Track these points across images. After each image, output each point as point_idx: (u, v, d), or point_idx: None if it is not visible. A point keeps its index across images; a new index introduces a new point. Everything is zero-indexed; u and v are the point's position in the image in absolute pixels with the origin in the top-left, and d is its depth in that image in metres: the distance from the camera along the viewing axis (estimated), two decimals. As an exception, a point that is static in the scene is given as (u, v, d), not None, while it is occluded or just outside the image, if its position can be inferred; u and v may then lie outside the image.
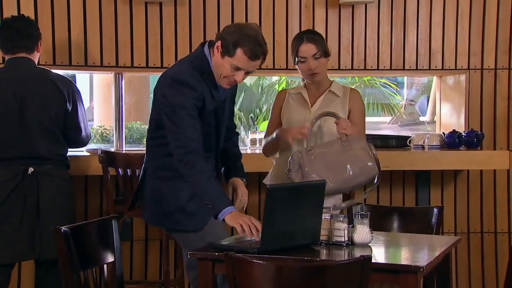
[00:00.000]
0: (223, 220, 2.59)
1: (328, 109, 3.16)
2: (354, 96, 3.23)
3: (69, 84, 3.45)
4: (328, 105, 3.18)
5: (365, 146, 3.06)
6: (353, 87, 6.59)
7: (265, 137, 3.32)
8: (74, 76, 6.04)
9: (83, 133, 3.46)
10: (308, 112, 3.20)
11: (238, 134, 3.07)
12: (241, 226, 2.51)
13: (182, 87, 2.64)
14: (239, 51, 2.60)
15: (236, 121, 6.27)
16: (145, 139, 5.29)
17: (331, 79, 3.30)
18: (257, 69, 4.30)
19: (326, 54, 3.18)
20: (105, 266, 2.66)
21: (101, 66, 4.10)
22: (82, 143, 3.52)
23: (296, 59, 3.17)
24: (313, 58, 3.14)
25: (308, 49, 3.14)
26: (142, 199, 2.87)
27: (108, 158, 3.68)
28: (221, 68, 2.66)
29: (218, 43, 2.65)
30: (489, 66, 4.42)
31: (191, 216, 2.74)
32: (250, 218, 2.55)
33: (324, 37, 4.31)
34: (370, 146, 3.08)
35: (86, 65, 4.07)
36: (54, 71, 3.54)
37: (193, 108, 2.66)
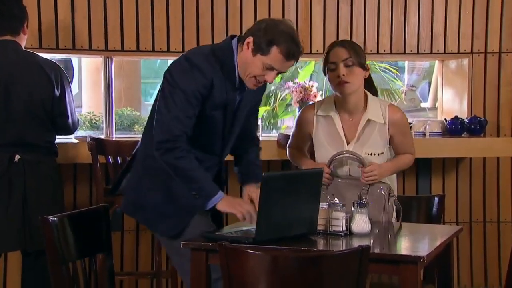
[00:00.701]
0: (214, 207, 2.54)
1: (367, 145, 2.85)
2: (394, 117, 2.88)
3: (57, 69, 3.43)
4: (367, 141, 2.86)
5: (382, 196, 2.81)
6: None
7: (289, 146, 3.06)
8: (70, 61, 6.01)
9: (70, 119, 3.45)
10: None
11: (258, 147, 2.83)
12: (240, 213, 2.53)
13: (191, 68, 2.50)
14: (274, 50, 2.47)
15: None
16: (136, 126, 5.31)
17: (365, 92, 2.91)
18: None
19: (361, 65, 2.83)
20: (95, 257, 2.67)
21: (90, 50, 4.08)
22: (69, 130, 3.51)
23: (326, 67, 2.85)
24: (344, 65, 2.81)
25: (338, 53, 2.83)
26: (123, 185, 2.78)
27: (97, 146, 3.67)
28: (251, 67, 2.51)
29: (250, 39, 2.50)
30: (493, 50, 4.42)
31: (166, 219, 2.63)
32: (242, 205, 2.55)
33: (322, 19, 4.33)
34: (390, 198, 2.83)
35: (74, 49, 4.06)
36: (40, 55, 3.53)
37: (195, 95, 2.50)
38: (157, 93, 2.66)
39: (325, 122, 2.92)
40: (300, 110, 3.05)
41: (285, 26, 2.52)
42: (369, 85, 2.97)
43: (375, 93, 2.99)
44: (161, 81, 2.62)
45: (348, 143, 2.88)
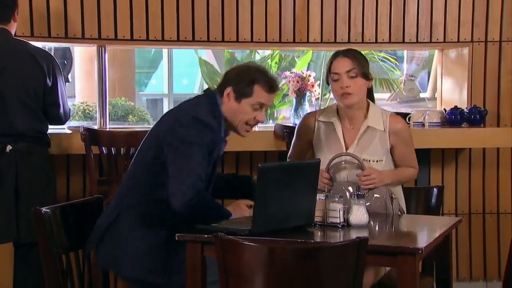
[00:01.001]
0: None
1: (367, 151, 2.87)
2: (395, 126, 2.90)
3: (49, 58, 3.42)
4: (366, 147, 2.89)
5: (384, 198, 2.81)
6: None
7: (289, 157, 3.07)
8: (69, 50, 5.99)
9: (61, 109, 3.45)
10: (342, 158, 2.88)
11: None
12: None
13: (203, 127, 2.58)
14: (256, 88, 2.63)
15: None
16: (130, 116, 5.30)
17: (368, 102, 2.95)
18: (249, 42, 4.32)
19: (365, 76, 2.86)
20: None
21: (83, 38, 4.06)
22: (61, 120, 3.51)
23: (329, 78, 2.89)
24: (347, 76, 2.84)
25: (342, 64, 2.85)
26: (104, 240, 2.63)
27: (91, 136, 3.67)
28: (240, 113, 2.64)
29: (228, 90, 2.64)
30: (493, 38, 4.41)
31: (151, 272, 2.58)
32: (242, 208, 2.61)
33: (320, 7, 4.32)
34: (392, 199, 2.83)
35: (66, 37, 4.04)
36: (32, 43, 3.51)
37: (207, 149, 2.59)
38: (143, 144, 2.68)
39: (326, 128, 2.96)
40: (301, 118, 3.07)
41: (256, 66, 2.73)
42: (368, 93, 2.98)
43: (372, 100, 3.00)
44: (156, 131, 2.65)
45: (347, 149, 2.90)
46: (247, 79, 2.64)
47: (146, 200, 2.60)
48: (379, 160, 2.89)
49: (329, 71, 2.90)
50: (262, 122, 2.74)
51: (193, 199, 2.51)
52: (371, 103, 2.95)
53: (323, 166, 2.82)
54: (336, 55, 2.91)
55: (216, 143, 2.64)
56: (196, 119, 2.59)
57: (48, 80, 3.37)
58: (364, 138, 2.91)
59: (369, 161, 2.87)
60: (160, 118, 2.74)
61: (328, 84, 2.92)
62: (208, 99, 2.68)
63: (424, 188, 3.25)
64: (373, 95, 3.03)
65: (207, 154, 2.59)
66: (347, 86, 2.84)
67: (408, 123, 4.35)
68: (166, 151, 2.57)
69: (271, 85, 2.66)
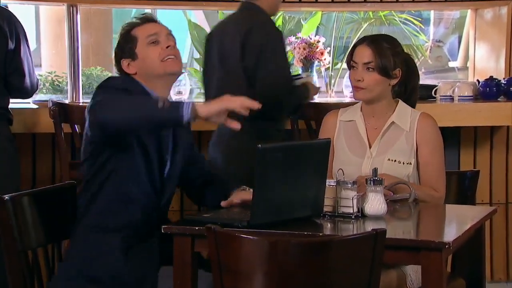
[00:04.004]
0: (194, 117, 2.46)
1: (391, 150, 2.91)
2: (425, 126, 2.95)
3: (11, 18, 3.42)
4: (390, 146, 2.93)
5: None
6: (366, 25, 6.55)
7: None
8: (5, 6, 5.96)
9: (27, 79, 3.45)
10: (365, 157, 2.93)
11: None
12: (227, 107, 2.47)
13: (117, 90, 2.67)
14: (135, 32, 2.74)
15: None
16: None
17: (396, 100, 3.00)
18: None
19: (383, 71, 2.91)
20: (60, 243, 2.69)
21: (50, -4, 4.07)
22: (26, 92, 3.52)
23: (349, 65, 2.97)
24: (364, 67, 2.92)
25: (362, 53, 2.92)
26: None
27: (61, 112, 3.68)
28: (147, 63, 2.71)
29: (123, 61, 2.75)
30: (537, -4, 4.41)
31: None
32: (229, 98, 2.51)
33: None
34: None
35: (31, -5, 4.04)
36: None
37: None
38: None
39: (348, 127, 3.02)
40: (324, 117, 3.11)
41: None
42: (409, 93, 3.03)
43: (412, 104, 3.04)
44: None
45: (370, 147, 2.95)
46: (123, 37, 2.76)
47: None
48: (407, 163, 2.91)
49: (348, 57, 2.98)
50: (172, 46, 2.73)
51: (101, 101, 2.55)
52: (400, 102, 3.00)
53: (342, 165, 2.83)
54: (362, 40, 2.98)
55: None
56: (105, 86, 2.69)
57: (10, 44, 3.37)
58: (387, 136, 2.96)
59: (394, 161, 2.91)
60: None
61: (349, 68, 2.99)
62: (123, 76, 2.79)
63: (454, 173, 3.25)
64: (415, 98, 3.06)
65: None
66: (359, 80, 2.92)
67: (435, 97, 4.37)
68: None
69: (143, 18, 2.77)
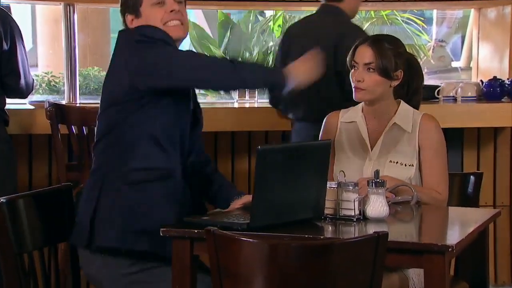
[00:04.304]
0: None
1: (393, 152, 2.92)
2: (427, 127, 2.96)
3: (6, 18, 3.42)
4: (391, 147, 2.94)
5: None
6: (367, 24, 6.54)
7: None
8: (8, 7, 5.97)
9: (23, 80, 3.45)
10: (366, 159, 2.94)
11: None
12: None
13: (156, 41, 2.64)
14: None
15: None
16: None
17: (398, 101, 3.01)
18: (248, 0, 4.30)
19: (384, 72, 2.91)
20: (56, 246, 2.69)
21: (47, -5, 4.07)
22: (21, 93, 3.52)
23: (350, 64, 2.98)
24: (364, 68, 2.92)
25: (363, 53, 2.92)
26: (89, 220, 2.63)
27: (58, 113, 3.68)
28: (151, 20, 2.67)
29: (127, 16, 2.71)
30: (540, -5, 4.41)
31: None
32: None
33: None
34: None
35: (27, -6, 4.04)
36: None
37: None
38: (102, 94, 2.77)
39: (349, 128, 3.03)
40: (324, 119, 3.12)
41: None
42: (412, 94, 3.03)
43: (415, 105, 3.04)
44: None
45: (371, 148, 2.96)
46: None
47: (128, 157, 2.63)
48: (409, 165, 2.92)
49: (350, 56, 2.98)
50: (178, 10, 2.69)
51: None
52: (402, 102, 3.01)
53: (343, 167, 2.85)
54: (364, 40, 2.97)
55: None
56: (142, 35, 2.65)
57: (4, 44, 3.38)
58: (389, 137, 2.96)
59: (396, 163, 2.92)
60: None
61: (350, 68, 2.99)
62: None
63: (457, 175, 3.25)
64: (418, 99, 3.06)
65: None
66: (359, 80, 2.92)
67: (437, 97, 4.37)
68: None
69: None
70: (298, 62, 2.66)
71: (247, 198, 2.67)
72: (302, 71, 2.64)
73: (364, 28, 5.72)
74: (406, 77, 2.98)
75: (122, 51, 2.71)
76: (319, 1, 4.33)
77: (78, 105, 4.12)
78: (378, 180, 2.59)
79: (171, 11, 2.68)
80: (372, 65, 2.91)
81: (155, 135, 2.63)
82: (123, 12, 2.74)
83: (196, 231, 2.39)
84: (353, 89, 2.96)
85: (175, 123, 2.67)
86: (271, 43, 6.87)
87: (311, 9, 5.47)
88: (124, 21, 2.75)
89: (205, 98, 5.14)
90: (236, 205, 2.68)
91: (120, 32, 2.78)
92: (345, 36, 3.58)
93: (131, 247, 2.58)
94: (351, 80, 2.97)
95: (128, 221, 2.59)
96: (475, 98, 4.34)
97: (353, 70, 2.97)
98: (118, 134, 2.64)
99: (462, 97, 4.33)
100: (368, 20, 7.31)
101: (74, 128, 3.69)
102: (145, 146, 2.63)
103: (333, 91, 3.60)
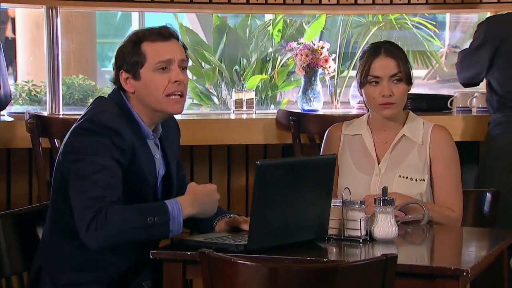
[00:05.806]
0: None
1: (402, 166, 2.94)
2: (439, 138, 2.98)
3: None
4: (400, 161, 2.96)
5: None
6: (374, 29, 6.58)
7: None
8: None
9: (1, 90, 3.46)
10: (373, 175, 2.96)
11: None
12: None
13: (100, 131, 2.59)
14: (144, 46, 2.62)
15: (216, 76, 6.25)
16: (90, 99, 5.31)
17: (406, 111, 3.06)
18: (245, 3, 4.33)
19: (409, 79, 2.97)
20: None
21: (28, -2, 4.09)
22: (-1, 103, 3.52)
23: (365, 80, 2.96)
24: (390, 81, 2.94)
25: (386, 65, 2.94)
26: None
27: (39, 125, 3.68)
28: (150, 89, 2.61)
29: (122, 75, 2.65)
30: (562, -3, 4.43)
31: None
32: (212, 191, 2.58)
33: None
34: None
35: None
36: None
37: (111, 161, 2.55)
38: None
39: (353, 141, 3.04)
40: (326, 132, 3.13)
41: (136, 30, 2.70)
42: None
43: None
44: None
45: (378, 163, 2.97)
46: (130, 46, 2.64)
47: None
48: (420, 180, 2.93)
49: (366, 73, 2.95)
50: (182, 81, 2.64)
51: (94, 220, 2.43)
52: (411, 112, 3.04)
53: (348, 184, 2.80)
54: (376, 52, 2.96)
55: (127, 150, 2.57)
56: (89, 121, 2.62)
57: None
58: (398, 150, 2.98)
59: (406, 178, 2.93)
60: None
61: (360, 87, 2.98)
62: (110, 99, 2.70)
63: (474, 192, 3.26)
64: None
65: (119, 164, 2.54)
66: (390, 95, 2.92)
67: (450, 108, 4.37)
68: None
69: (159, 32, 2.64)
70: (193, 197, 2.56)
71: (232, 220, 2.65)
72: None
73: (371, 33, 5.75)
74: None
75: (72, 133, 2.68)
76: (322, 4, 4.35)
77: (61, 116, 4.12)
78: (386, 198, 2.60)
79: (175, 81, 2.63)
80: (398, 75, 2.94)
81: None
82: (118, 68, 2.66)
83: (189, 253, 2.40)
84: (378, 107, 2.95)
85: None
86: (270, 49, 6.87)
87: (313, 12, 5.50)
88: (117, 76, 2.67)
89: (199, 109, 5.16)
90: (222, 227, 2.66)
91: (98, 98, 2.76)
92: None
93: None
94: (370, 97, 2.94)
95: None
96: (491, 109, 4.34)
97: (371, 86, 2.94)
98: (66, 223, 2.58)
99: (477, 108, 4.34)
100: (375, 25, 7.31)
101: (56, 142, 3.69)
102: None
103: None
